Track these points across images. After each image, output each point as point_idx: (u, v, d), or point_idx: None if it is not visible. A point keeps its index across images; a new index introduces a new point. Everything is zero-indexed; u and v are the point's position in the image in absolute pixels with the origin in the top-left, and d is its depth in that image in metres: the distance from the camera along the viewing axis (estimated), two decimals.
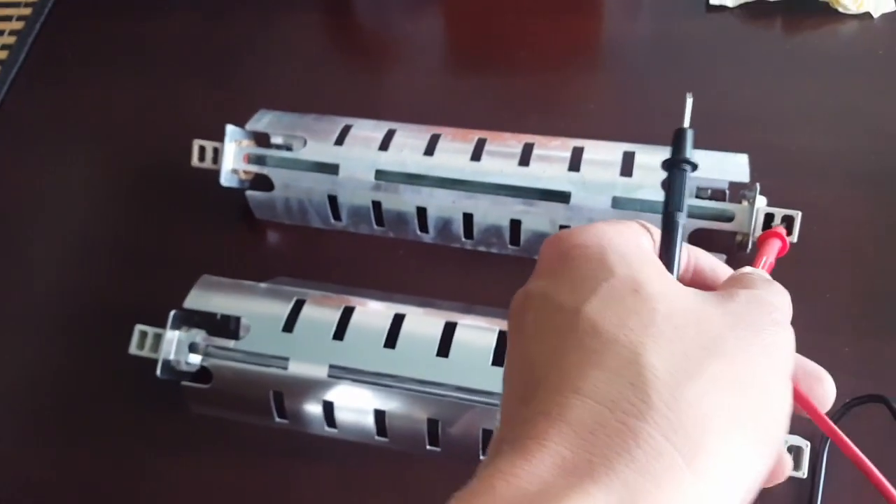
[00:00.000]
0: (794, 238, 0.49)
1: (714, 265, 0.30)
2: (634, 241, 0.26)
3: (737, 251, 0.52)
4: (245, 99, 0.63)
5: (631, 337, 0.23)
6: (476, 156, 0.53)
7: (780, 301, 0.26)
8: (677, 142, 0.29)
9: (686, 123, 0.30)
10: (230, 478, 0.52)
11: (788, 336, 0.25)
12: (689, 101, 0.30)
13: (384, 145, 0.55)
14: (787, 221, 0.49)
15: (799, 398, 0.26)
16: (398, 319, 0.48)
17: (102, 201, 0.65)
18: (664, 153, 0.51)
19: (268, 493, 0.51)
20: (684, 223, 0.28)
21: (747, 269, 0.28)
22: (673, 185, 0.29)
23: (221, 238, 0.61)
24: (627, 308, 0.23)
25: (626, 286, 0.24)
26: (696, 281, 0.29)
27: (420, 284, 0.56)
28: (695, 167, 0.29)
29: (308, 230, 0.60)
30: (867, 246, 0.54)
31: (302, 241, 0.60)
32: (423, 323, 0.48)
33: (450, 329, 0.47)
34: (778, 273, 0.49)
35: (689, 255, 0.29)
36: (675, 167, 0.29)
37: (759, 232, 0.49)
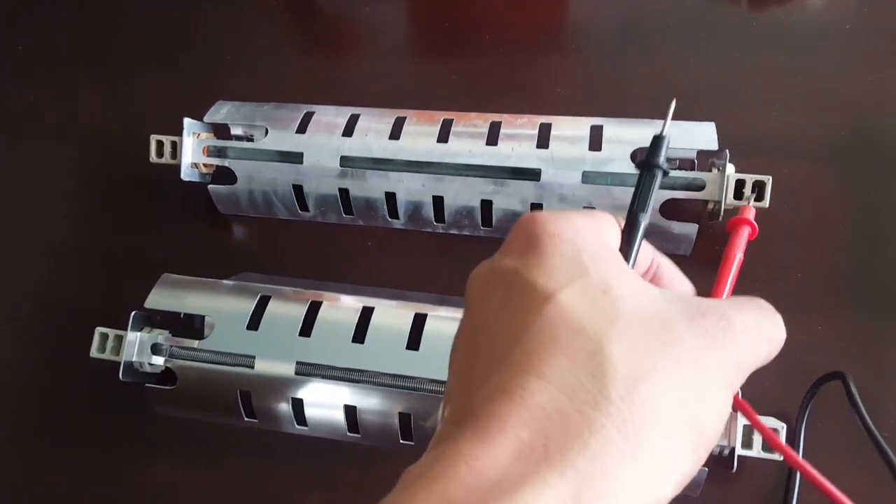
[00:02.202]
0: (766, 203, 0.48)
1: (673, 276, 0.31)
2: (605, 241, 0.27)
3: (708, 219, 0.50)
4: (205, 90, 0.59)
5: (596, 329, 0.23)
6: (443, 137, 0.51)
7: (755, 326, 0.26)
8: (653, 147, 0.30)
9: (664, 131, 0.30)
10: (199, 480, 0.49)
11: (748, 356, 0.25)
12: (672, 108, 0.30)
13: (348, 131, 0.52)
14: (758, 187, 0.48)
15: (743, 409, 0.29)
16: (366, 313, 0.45)
17: (60, 201, 0.61)
18: (631, 126, 0.51)
19: (238, 493, 0.49)
20: (646, 224, 0.29)
21: (756, 300, 0.28)
22: (641, 186, 0.29)
23: (185, 235, 0.58)
24: (597, 304, 0.24)
25: (598, 286, 0.24)
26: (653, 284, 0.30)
27: (392, 273, 0.54)
28: (666, 174, 0.30)
29: (275, 222, 0.57)
30: (838, 223, 0.53)
31: (269, 234, 0.57)
32: (392, 316, 0.45)
33: (420, 321, 0.45)
34: (749, 251, 0.48)
35: (653, 259, 0.30)
36: (646, 169, 0.30)
37: (730, 199, 0.48)
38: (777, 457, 0.41)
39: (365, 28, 0.67)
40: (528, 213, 0.28)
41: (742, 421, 0.41)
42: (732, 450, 0.41)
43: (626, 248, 0.28)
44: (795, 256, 0.52)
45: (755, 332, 0.26)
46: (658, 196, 0.37)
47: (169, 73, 0.65)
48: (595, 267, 0.25)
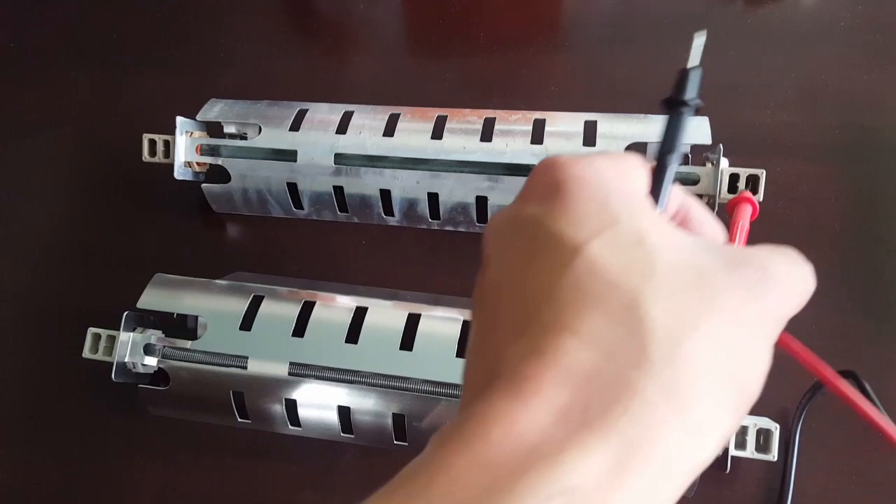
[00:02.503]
0: (760, 197, 0.47)
1: (703, 220, 0.28)
2: (633, 185, 0.25)
3: None
4: (199, 88, 0.59)
5: (631, 285, 0.21)
6: (437, 134, 0.51)
7: (789, 276, 0.24)
8: (679, 82, 0.27)
9: (691, 64, 0.27)
10: (192, 480, 0.49)
11: (785, 308, 0.24)
12: (700, 40, 0.28)
13: (342, 128, 0.52)
14: (752, 181, 0.47)
15: (789, 347, 0.26)
16: (360, 313, 0.45)
17: (53, 200, 0.61)
18: (625, 121, 0.51)
19: (233, 494, 0.48)
20: (676, 166, 0.26)
21: (787, 248, 0.26)
22: (667, 127, 0.27)
23: (179, 234, 0.57)
24: (630, 257, 0.22)
25: (631, 236, 0.22)
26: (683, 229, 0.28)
27: (387, 271, 0.54)
28: (697, 109, 0.27)
29: (269, 221, 0.56)
30: (833, 222, 0.52)
31: (263, 232, 0.57)
32: (386, 316, 0.45)
33: (413, 322, 0.44)
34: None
35: (680, 202, 0.28)
36: (673, 107, 0.27)
37: (724, 193, 0.48)
38: (771, 457, 0.41)
39: (360, 25, 0.66)
40: (547, 157, 0.25)
41: None
42: (726, 450, 0.41)
43: (657, 193, 0.26)
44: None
45: (790, 282, 0.24)
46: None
47: (163, 72, 0.64)
48: (625, 214, 0.23)
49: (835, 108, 0.56)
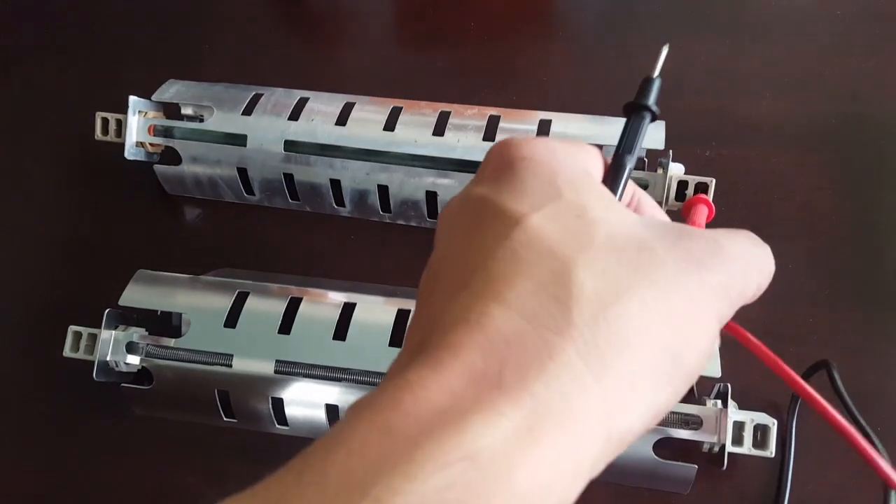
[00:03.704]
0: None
1: (655, 212, 0.29)
2: (583, 167, 0.25)
3: None
4: (183, 78, 0.54)
5: (566, 253, 0.21)
6: (390, 125, 0.48)
7: (743, 253, 0.24)
8: (642, 89, 0.28)
9: (655, 73, 0.29)
10: (177, 480, 0.45)
11: (738, 284, 0.23)
12: (664, 52, 0.29)
13: (294, 115, 0.49)
14: (701, 188, 0.45)
15: (737, 333, 0.25)
16: (348, 309, 0.42)
17: (9, 188, 0.57)
18: (580, 122, 0.48)
19: (218, 494, 0.44)
20: (632, 167, 0.27)
21: (744, 231, 0.25)
22: (628, 129, 0.28)
23: (134, 217, 0.54)
24: (569, 228, 0.22)
25: (572, 210, 0.22)
26: None
27: (371, 267, 0.50)
28: (654, 117, 0.28)
29: (224, 205, 0.53)
30: (829, 213, 0.49)
31: (220, 216, 0.53)
32: (375, 312, 0.43)
33: (403, 318, 0.42)
34: None
35: (633, 193, 0.28)
36: (634, 111, 0.28)
37: (672, 200, 0.45)
38: (768, 454, 0.38)
39: (348, 14, 0.63)
40: (501, 140, 0.26)
41: (733, 417, 0.38)
42: (723, 447, 0.38)
43: (613, 188, 0.26)
44: (784, 247, 0.47)
45: (744, 260, 0.23)
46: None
47: (145, 63, 0.61)
48: (569, 189, 0.23)
49: (829, 98, 0.53)
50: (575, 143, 0.26)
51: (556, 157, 0.24)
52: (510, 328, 0.20)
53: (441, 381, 0.19)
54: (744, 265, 0.23)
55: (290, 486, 0.18)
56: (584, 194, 0.23)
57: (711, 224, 0.44)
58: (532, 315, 0.20)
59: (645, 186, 0.46)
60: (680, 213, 0.45)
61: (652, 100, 0.28)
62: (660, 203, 0.45)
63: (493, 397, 0.19)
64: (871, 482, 0.37)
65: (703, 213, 0.43)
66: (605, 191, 0.24)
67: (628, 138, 0.27)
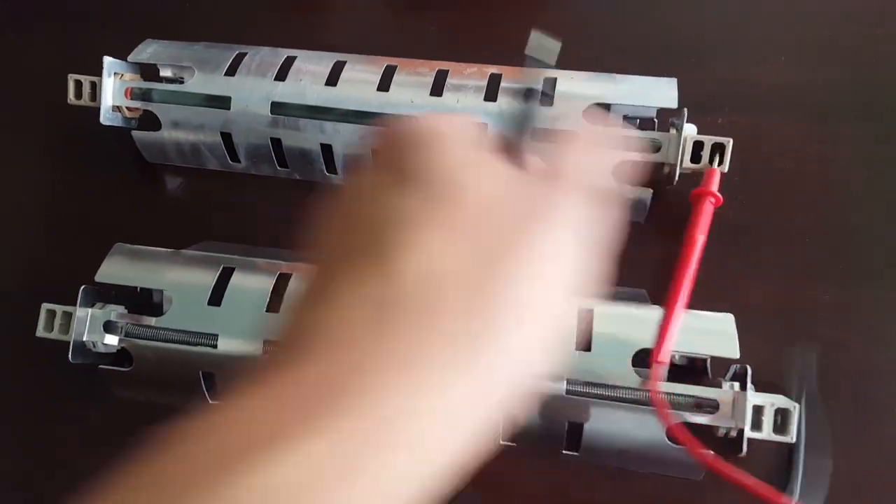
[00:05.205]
0: (726, 168, 0.43)
1: None
2: (461, 142, 0.25)
3: (665, 184, 0.43)
4: (159, 35, 0.50)
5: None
6: (384, 85, 0.44)
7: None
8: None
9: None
10: None
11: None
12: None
13: (281, 75, 0.45)
14: (718, 150, 0.42)
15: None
16: None
17: (28, 163, 0.53)
18: (587, 80, 0.44)
19: None
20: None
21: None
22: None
23: (112, 188, 0.50)
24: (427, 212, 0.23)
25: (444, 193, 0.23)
26: None
27: None
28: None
29: (208, 173, 0.49)
30: (847, 184, 0.46)
31: (203, 185, 0.50)
32: None
33: None
34: (753, 217, 0.43)
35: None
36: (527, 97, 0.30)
37: (686, 162, 0.43)
38: (789, 439, 0.36)
39: None
40: (387, 127, 0.27)
41: (752, 401, 0.36)
42: (740, 431, 0.36)
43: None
44: (801, 221, 0.45)
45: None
46: (611, 157, 0.35)
47: (121, 22, 0.57)
48: (440, 169, 0.24)
49: (844, 65, 0.50)
50: (457, 117, 0.28)
51: (437, 135, 0.25)
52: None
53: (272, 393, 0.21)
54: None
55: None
56: (458, 170, 0.24)
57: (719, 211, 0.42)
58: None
59: (658, 148, 0.42)
60: (700, 177, 0.43)
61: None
62: (673, 167, 0.43)
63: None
64: (883, 464, 0.35)
65: (708, 211, 0.42)
66: (481, 160, 0.25)
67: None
